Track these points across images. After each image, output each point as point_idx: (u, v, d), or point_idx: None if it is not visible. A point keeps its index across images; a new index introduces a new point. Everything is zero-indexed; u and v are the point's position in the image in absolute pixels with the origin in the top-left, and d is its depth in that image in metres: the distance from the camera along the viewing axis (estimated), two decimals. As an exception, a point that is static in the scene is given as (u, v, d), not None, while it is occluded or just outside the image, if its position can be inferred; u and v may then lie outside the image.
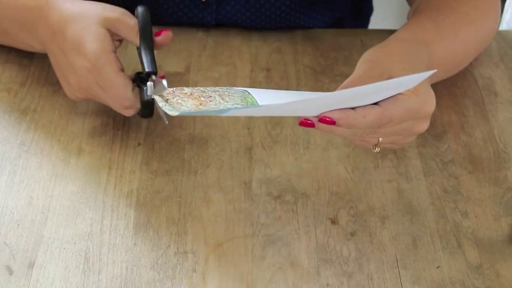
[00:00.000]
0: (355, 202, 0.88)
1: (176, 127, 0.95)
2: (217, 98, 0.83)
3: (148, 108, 0.88)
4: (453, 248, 0.84)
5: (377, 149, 0.82)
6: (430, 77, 0.91)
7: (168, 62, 1.02)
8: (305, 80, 1.01)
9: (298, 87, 1.00)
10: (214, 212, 0.86)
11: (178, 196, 0.87)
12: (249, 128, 0.95)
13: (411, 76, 0.74)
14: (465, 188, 0.90)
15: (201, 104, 0.82)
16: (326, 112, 0.76)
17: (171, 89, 0.85)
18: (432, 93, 0.80)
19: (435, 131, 0.96)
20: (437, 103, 0.98)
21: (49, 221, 0.84)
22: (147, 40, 0.88)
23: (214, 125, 0.95)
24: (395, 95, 0.77)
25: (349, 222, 0.86)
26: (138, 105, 0.88)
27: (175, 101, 0.83)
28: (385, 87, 0.75)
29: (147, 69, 0.86)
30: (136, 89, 0.88)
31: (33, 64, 1.01)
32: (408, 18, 0.99)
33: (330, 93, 0.76)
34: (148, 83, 0.84)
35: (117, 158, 0.91)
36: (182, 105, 0.82)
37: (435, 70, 0.75)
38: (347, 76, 0.99)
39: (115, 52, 0.88)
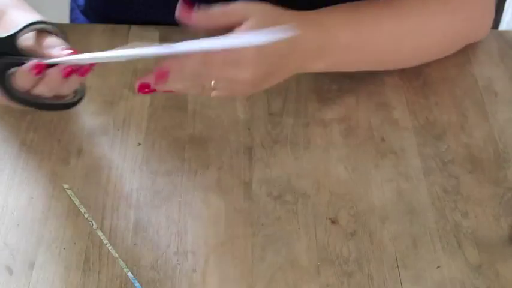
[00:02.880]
0: (355, 202, 0.88)
1: (176, 127, 0.95)
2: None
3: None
4: (453, 248, 0.84)
5: (213, 93, 0.86)
6: (336, 66, 0.95)
7: (168, 62, 1.02)
8: (305, 80, 1.00)
9: (297, 87, 1.00)
10: (214, 212, 0.86)
11: (178, 196, 0.87)
12: (249, 128, 0.95)
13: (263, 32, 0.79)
14: (465, 188, 0.90)
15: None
16: (158, 68, 0.81)
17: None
18: (252, 61, 0.83)
19: (435, 131, 0.96)
20: (437, 103, 0.99)
21: (49, 221, 0.84)
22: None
23: (214, 125, 0.95)
24: None
25: (349, 222, 0.86)
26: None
27: None
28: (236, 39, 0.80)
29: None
30: None
31: (33, 64, 1.00)
32: None
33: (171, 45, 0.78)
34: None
35: (117, 158, 0.91)
36: None
37: (294, 34, 0.79)
38: (346, 75, 1.00)
39: None
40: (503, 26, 1.69)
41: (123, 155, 0.91)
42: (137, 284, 0.79)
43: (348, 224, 0.85)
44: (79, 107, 0.95)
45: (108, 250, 0.82)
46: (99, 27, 1.06)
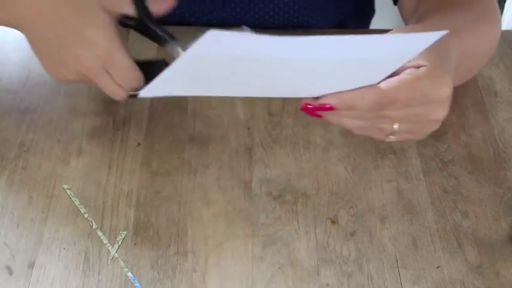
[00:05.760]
0: (355, 202, 0.88)
1: (176, 127, 0.95)
2: None
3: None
4: (453, 248, 0.84)
5: (392, 137, 0.77)
6: (455, 78, 0.83)
7: (168, 62, 1.02)
8: (305, 80, 1.01)
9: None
10: (214, 212, 0.86)
11: (178, 196, 0.87)
12: (249, 128, 0.95)
13: (416, 35, 0.69)
14: (465, 188, 0.90)
15: None
16: (321, 99, 0.72)
17: None
18: (447, 77, 0.74)
19: (435, 131, 0.95)
20: (437, 103, 0.99)
21: (49, 221, 0.84)
22: (144, 11, 0.84)
23: (214, 125, 0.95)
24: (400, 76, 0.73)
25: (349, 222, 0.86)
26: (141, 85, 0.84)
27: None
28: (381, 43, 0.67)
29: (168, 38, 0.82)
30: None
31: (33, 64, 1.01)
32: None
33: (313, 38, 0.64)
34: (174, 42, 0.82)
35: (117, 158, 0.91)
36: None
37: (446, 31, 0.67)
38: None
39: None
40: (503, 26, 1.69)
41: (123, 155, 0.91)
42: (137, 284, 0.79)
43: (348, 224, 0.85)
44: (79, 107, 0.96)
45: (108, 250, 0.82)
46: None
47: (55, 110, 0.95)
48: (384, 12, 1.35)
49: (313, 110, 0.73)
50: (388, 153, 0.93)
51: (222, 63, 0.67)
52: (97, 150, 0.92)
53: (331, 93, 0.72)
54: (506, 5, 1.69)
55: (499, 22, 0.96)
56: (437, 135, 0.95)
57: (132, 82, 0.83)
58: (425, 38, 0.68)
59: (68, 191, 0.87)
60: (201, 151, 0.92)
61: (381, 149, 0.93)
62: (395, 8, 1.04)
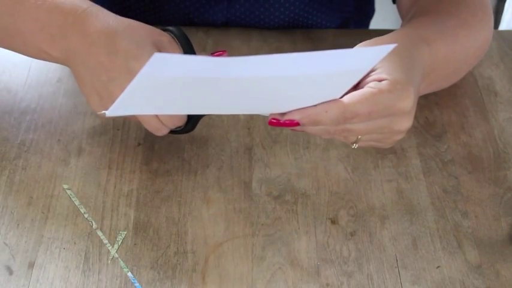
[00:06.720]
0: (355, 202, 0.88)
1: (176, 127, 0.95)
2: None
3: (194, 120, 0.85)
4: (453, 248, 0.84)
5: (355, 145, 0.80)
6: (431, 85, 0.90)
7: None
8: (305, 80, 1.00)
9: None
10: (214, 212, 0.86)
11: (178, 196, 0.87)
12: (249, 128, 0.95)
13: (368, 49, 0.71)
14: (465, 188, 0.90)
15: None
16: (287, 115, 0.75)
17: None
18: (409, 90, 0.76)
19: (435, 131, 0.96)
20: (437, 103, 0.99)
21: (49, 221, 0.84)
22: None
23: (214, 125, 0.95)
24: (362, 89, 0.75)
25: (349, 222, 0.86)
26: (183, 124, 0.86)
27: None
28: (336, 58, 0.69)
29: None
30: None
31: (33, 64, 1.01)
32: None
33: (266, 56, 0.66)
34: None
35: (117, 158, 0.91)
36: None
37: (395, 44, 0.70)
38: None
39: None
40: (503, 26, 1.69)
41: (123, 155, 0.91)
42: (137, 284, 0.79)
43: (348, 224, 0.85)
44: (79, 107, 0.96)
45: (108, 250, 0.82)
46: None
47: (55, 110, 0.96)
48: (383, 11, 1.36)
49: (279, 125, 0.76)
50: (388, 153, 0.93)
51: (177, 83, 0.70)
52: (97, 150, 0.92)
53: (297, 109, 0.75)
54: (506, 5, 1.69)
55: (488, 24, 0.96)
56: (437, 135, 0.95)
57: (176, 120, 0.84)
58: (377, 52, 0.71)
59: (68, 191, 0.87)
60: (201, 151, 0.92)
61: (381, 149, 0.93)
62: (395, 7, 1.04)
